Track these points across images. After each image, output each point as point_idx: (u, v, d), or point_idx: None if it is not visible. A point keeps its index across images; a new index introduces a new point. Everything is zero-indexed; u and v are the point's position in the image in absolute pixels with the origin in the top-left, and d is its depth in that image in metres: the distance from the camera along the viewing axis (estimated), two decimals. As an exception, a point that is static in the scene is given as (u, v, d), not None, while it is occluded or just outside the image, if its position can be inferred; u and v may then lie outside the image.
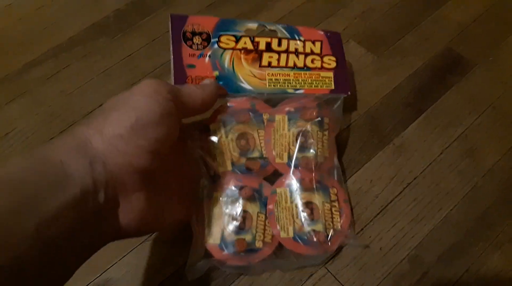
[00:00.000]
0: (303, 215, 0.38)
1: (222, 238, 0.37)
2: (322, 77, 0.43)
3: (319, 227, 0.38)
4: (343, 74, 0.44)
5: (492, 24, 0.54)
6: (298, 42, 0.44)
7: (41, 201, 0.24)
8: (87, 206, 0.26)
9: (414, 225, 0.41)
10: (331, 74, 0.43)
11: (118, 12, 0.58)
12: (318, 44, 0.44)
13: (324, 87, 0.43)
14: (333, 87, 0.43)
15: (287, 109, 0.41)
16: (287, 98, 0.42)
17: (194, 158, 0.39)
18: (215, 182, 0.39)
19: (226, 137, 0.39)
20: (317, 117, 0.41)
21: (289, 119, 0.41)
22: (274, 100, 0.42)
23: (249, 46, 0.42)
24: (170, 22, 0.41)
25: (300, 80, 0.42)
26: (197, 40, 0.41)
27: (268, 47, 0.43)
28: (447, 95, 0.49)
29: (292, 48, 0.43)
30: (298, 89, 0.42)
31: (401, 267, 0.38)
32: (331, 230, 0.38)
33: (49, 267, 0.26)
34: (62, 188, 0.25)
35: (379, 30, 0.54)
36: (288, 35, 0.44)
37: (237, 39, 0.42)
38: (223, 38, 0.42)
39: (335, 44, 0.45)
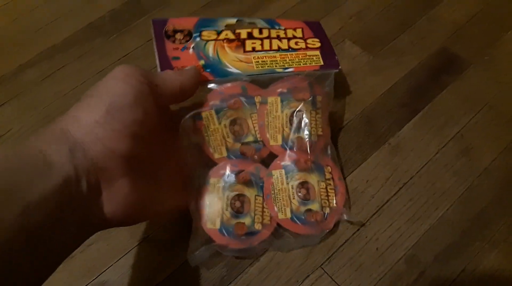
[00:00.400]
0: (299, 195, 0.39)
1: (222, 222, 0.38)
2: (309, 55, 0.43)
3: (315, 206, 0.39)
4: (330, 51, 0.44)
5: (487, 23, 0.54)
6: (279, 30, 0.44)
7: (24, 187, 0.25)
8: (70, 194, 0.26)
9: (410, 225, 0.41)
10: (317, 52, 0.44)
11: (113, 12, 0.58)
12: (299, 30, 0.45)
13: (313, 64, 0.43)
14: (322, 63, 0.43)
15: (279, 90, 0.41)
16: (277, 79, 0.42)
17: (187, 145, 0.39)
18: (211, 168, 0.39)
19: (219, 123, 0.39)
20: (310, 97, 0.41)
21: (282, 101, 0.41)
22: (264, 81, 0.42)
23: (231, 37, 0.43)
24: (152, 27, 0.42)
25: (288, 59, 0.42)
26: (179, 36, 0.41)
27: (250, 36, 0.43)
28: (443, 95, 0.49)
29: (274, 35, 0.44)
30: (287, 68, 0.42)
31: (397, 267, 0.39)
32: (327, 208, 0.39)
33: (36, 256, 0.25)
34: (44, 176, 0.25)
35: (375, 30, 0.54)
36: (268, 26, 0.45)
37: (219, 33, 0.43)
38: (204, 33, 0.42)
39: (316, 30, 0.46)
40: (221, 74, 0.40)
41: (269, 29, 0.44)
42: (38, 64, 0.54)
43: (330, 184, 0.40)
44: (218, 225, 0.38)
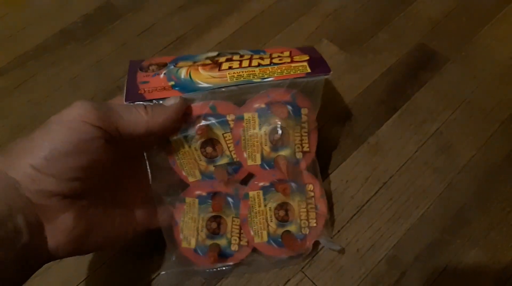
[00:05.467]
0: (278, 217, 0.38)
1: (197, 242, 0.37)
2: (294, 66, 0.37)
3: (293, 227, 0.38)
4: (319, 61, 0.38)
5: (463, 18, 0.54)
6: (263, 54, 0.39)
7: None
8: (6, 231, 0.26)
9: (391, 225, 0.40)
10: (304, 63, 0.37)
11: (86, 17, 0.57)
12: (286, 53, 0.39)
13: (298, 72, 0.36)
14: (309, 70, 0.36)
15: (256, 105, 0.37)
16: (255, 92, 0.37)
17: (158, 166, 0.37)
18: (186, 187, 0.38)
19: (189, 147, 0.37)
20: (290, 114, 0.37)
21: (260, 116, 0.37)
22: (240, 96, 0.37)
23: (207, 62, 0.38)
24: (128, 67, 0.38)
25: (268, 72, 0.36)
26: (153, 67, 0.38)
27: (229, 60, 0.38)
28: (421, 92, 0.48)
29: (255, 57, 0.38)
30: (266, 78, 0.36)
31: (378, 268, 0.38)
32: (306, 229, 0.38)
33: None
34: None
35: (352, 28, 0.54)
36: (251, 53, 0.40)
37: (195, 62, 0.38)
38: (180, 63, 0.38)
39: (307, 50, 0.40)
40: (191, 90, 0.36)
41: (251, 55, 0.39)
42: (10, 72, 0.53)
43: (311, 203, 0.38)
44: (193, 245, 0.37)
